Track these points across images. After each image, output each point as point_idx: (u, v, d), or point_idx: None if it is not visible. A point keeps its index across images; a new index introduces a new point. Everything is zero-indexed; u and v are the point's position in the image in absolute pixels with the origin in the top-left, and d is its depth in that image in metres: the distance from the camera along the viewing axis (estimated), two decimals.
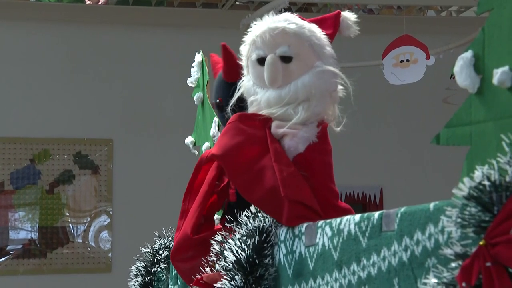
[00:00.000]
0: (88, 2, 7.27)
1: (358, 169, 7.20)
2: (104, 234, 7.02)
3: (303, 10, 6.97)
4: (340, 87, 2.14)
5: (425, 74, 5.16)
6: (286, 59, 2.11)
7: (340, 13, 2.23)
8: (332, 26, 2.21)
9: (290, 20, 2.13)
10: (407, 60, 4.95)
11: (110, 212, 7.03)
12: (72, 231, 6.94)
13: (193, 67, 2.83)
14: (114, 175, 7.05)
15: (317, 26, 2.18)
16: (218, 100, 2.50)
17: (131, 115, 7.12)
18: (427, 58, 4.99)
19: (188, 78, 2.86)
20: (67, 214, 6.93)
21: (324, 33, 2.18)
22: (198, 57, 2.83)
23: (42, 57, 7.02)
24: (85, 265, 6.92)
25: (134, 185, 7.06)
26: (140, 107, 7.15)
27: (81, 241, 6.94)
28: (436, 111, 7.04)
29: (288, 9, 5.59)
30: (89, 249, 6.96)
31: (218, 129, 2.62)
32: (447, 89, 5.68)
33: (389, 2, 7.14)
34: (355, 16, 2.24)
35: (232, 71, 2.38)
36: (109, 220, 7.03)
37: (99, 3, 7.31)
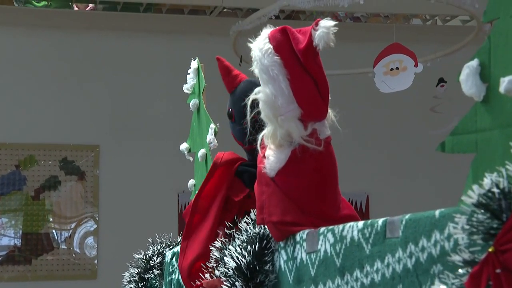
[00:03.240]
0: (75, 8, 7.25)
1: (344, 176, 7.14)
2: (90, 240, 6.98)
3: (292, 18, 6.98)
4: (295, 110, 1.91)
5: (412, 83, 5.17)
6: None
7: (312, 27, 1.90)
8: (305, 40, 1.92)
9: (257, 40, 1.98)
10: (397, 68, 4.95)
11: (97, 218, 7.00)
12: (56, 237, 6.90)
13: (189, 73, 2.82)
14: (101, 181, 7.02)
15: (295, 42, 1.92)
16: (229, 110, 2.55)
17: (118, 121, 7.09)
18: (416, 65, 5.00)
19: (184, 84, 2.85)
20: (51, 220, 6.89)
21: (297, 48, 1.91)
22: (194, 64, 2.82)
23: (29, 62, 6.99)
24: (70, 271, 6.88)
25: (121, 191, 7.03)
26: (127, 113, 7.13)
27: (65, 247, 6.90)
28: (422, 119, 7.08)
29: (276, 17, 5.59)
30: (74, 255, 6.92)
31: (215, 136, 2.62)
32: (434, 97, 5.70)
33: (376, 10, 7.17)
34: (332, 24, 1.88)
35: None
36: (95, 226, 7.00)
37: (87, 9, 7.29)
